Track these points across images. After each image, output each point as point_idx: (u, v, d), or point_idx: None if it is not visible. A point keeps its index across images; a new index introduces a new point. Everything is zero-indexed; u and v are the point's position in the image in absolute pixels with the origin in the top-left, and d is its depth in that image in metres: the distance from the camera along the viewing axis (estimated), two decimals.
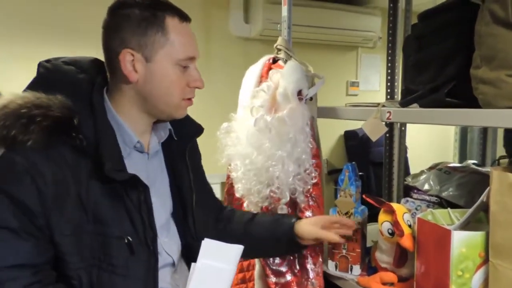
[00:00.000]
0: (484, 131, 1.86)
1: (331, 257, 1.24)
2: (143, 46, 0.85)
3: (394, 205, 1.05)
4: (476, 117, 0.85)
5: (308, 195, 1.28)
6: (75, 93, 0.85)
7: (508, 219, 0.79)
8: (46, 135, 0.78)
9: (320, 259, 1.26)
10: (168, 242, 0.94)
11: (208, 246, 0.83)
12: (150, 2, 0.86)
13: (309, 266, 1.26)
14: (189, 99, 0.92)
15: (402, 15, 1.66)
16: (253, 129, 1.28)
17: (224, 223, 1.16)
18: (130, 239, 0.82)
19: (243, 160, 1.30)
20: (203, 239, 0.87)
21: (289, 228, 1.11)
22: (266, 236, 1.13)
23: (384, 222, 1.05)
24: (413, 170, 2.36)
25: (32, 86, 0.85)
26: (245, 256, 1.19)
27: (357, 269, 1.20)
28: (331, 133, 3.19)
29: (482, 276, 0.88)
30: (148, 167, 0.94)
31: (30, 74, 0.91)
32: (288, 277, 1.27)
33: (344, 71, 3.26)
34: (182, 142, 0.99)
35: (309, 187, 1.27)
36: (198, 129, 1.04)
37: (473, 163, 1.83)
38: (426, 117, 0.96)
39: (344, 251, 1.20)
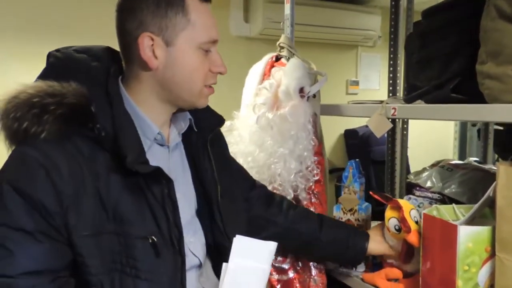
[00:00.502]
0: (486, 129, 1.87)
1: None
2: (163, 29, 0.78)
3: (401, 201, 1.05)
4: (482, 112, 0.85)
5: (311, 192, 1.28)
6: (90, 81, 0.78)
7: None
8: (62, 125, 0.72)
9: None
10: (194, 242, 0.87)
11: (241, 244, 0.77)
12: None
13: (312, 263, 1.26)
14: (211, 86, 0.87)
15: (404, 14, 1.66)
16: (255, 127, 1.28)
17: (286, 222, 1.10)
18: (155, 239, 0.75)
19: (246, 158, 1.30)
20: (233, 235, 0.83)
21: (362, 250, 1.09)
22: (335, 249, 1.10)
23: (391, 218, 1.05)
24: (413, 169, 2.37)
25: (43, 76, 0.79)
26: (289, 253, 1.19)
27: (361, 266, 1.19)
28: (331, 132, 3.19)
29: (489, 270, 0.88)
30: (170, 161, 0.87)
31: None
32: (291, 274, 1.27)
33: (344, 70, 3.27)
34: (203, 133, 0.92)
35: (311, 184, 1.27)
36: (219, 120, 0.98)
37: (475, 161, 1.83)
38: (432, 113, 0.96)
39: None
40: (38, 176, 0.70)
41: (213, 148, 0.94)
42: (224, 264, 0.76)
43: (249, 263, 0.76)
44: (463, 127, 3.37)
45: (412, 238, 1.00)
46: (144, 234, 0.76)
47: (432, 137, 3.48)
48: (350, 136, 3.13)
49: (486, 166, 1.63)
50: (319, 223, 1.11)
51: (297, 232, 1.10)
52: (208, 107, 0.95)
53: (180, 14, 0.79)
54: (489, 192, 0.88)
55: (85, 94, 0.76)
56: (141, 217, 0.76)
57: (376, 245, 1.10)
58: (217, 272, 0.90)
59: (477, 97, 0.87)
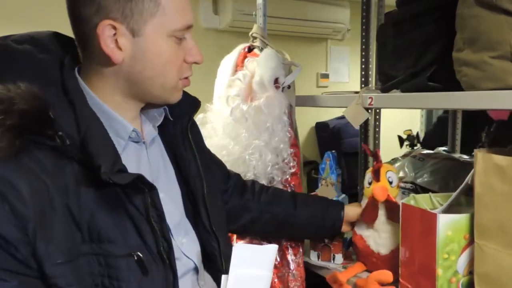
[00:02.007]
0: (453, 118, 1.90)
1: (313, 247, 1.22)
2: (128, 15, 0.66)
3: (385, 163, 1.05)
4: (460, 100, 0.85)
5: (287, 185, 1.26)
6: (41, 78, 0.65)
7: (494, 200, 0.79)
8: (14, 138, 0.60)
9: (301, 250, 1.24)
10: (187, 243, 0.79)
11: (240, 252, 0.71)
12: None
13: (290, 257, 1.24)
14: (186, 78, 0.76)
15: (375, 7, 1.66)
16: (229, 119, 1.24)
17: (260, 205, 1.07)
18: (141, 255, 0.66)
19: (220, 151, 1.26)
20: (220, 233, 0.78)
21: (338, 217, 1.08)
22: (311, 224, 1.08)
23: (368, 174, 1.05)
24: (383, 159, 2.41)
25: None
26: (268, 237, 1.15)
27: (339, 258, 1.19)
28: (303, 125, 3.20)
29: (468, 257, 0.88)
30: (149, 158, 0.78)
31: None
32: None
33: (314, 63, 3.28)
34: (180, 121, 0.83)
35: (287, 176, 1.25)
36: (195, 103, 0.87)
37: (444, 150, 1.87)
38: (409, 102, 0.95)
39: (326, 240, 1.19)
40: None
41: (194, 139, 0.85)
42: (223, 276, 0.68)
43: (251, 272, 0.71)
44: (429, 117, 3.45)
45: (377, 189, 0.99)
46: (127, 251, 0.66)
47: (399, 128, 3.55)
48: (321, 129, 3.15)
49: (456, 155, 1.67)
50: (293, 201, 1.09)
51: (272, 213, 1.08)
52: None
53: None
54: (468, 179, 0.89)
55: (38, 96, 0.62)
56: (122, 232, 0.66)
57: (351, 210, 1.09)
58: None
59: (454, 85, 0.87)
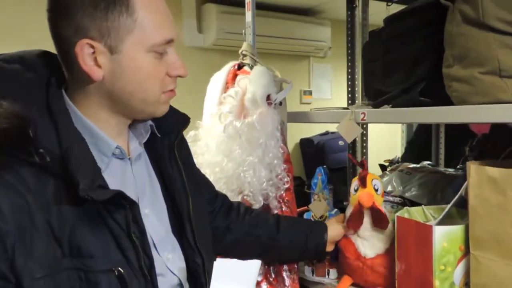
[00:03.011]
0: (436, 132, 1.96)
1: (308, 263, 1.22)
2: (105, 34, 0.67)
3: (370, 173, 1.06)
4: (450, 114, 0.88)
5: (281, 201, 1.26)
6: (25, 97, 0.67)
7: (488, 211, 0.81)
8: None
9: (296, 266, 1.24)
10: (172, 259, 0.79)
11: (222, 266, 0.72)
12: None
13: (285, 273, 1.23)
14: (171, 90, 0.76)
15: (359, 25, 1.71)
16: (222, 136, 1.24)
17: (243, 227, 1.05)
18: (122, 271, 0.66)
19: (213, 168, 1.26)
20: (205, 251, 0.77)
21: (322, 240, 1.07)
22: (294, 247, 1.07)
23: (354, 181, 1.06)
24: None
25: None
26: (255, 257, 1.11)
27: (334, 273, 1.19)
28: (287, 141, 3.22)
29: (463, 268, 0.90)
30: (135, 175, 0.79)
31: None
32: (264, 286, 1.23)
33: (297, 80, 3.33)
34: (167, 138, 0.83)
35: (281, 192, 1.25)
36: (184, 119, 0.87)
37: (428, 164, 1.92)
38: (401, 116, 0.98)
39: (314, 261, 1.19)
40: None
41: (180, 156, 0.85)
42: None
43: (231, 286, 0.71)
44: (410, 130, 3.53)
45: (363, 195, 1.00)
46: (108, 267, 0.66)
47: (381, 143, 3.62)
48: (305, 145, 3.17)
49: (441, 169, 1.70)
50: (276, 223, 1.08)
51: (255, 236, 1.06)
52: (171, 107, 0.85)
53: (125, 15, 0.67)
54: (461, 191, 0.91)
55: (19, 115, 0.63)
56: (103, 248, 0.67)
57: (334, 230, 1.08)
58: None
59: (444, 100, 0.90)
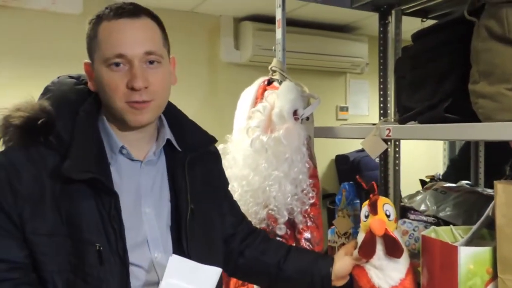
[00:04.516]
0: (475, 151, 1.88)
1: None
2: (90, 55, 0.87)
3: (381, 197, 1.01)
4: (476, 131, 0.85)
5: (306, 216, 1.26)
6: (62, 100, 0.87)
7: None
8: (20, 135, 0.81)
9: None
10: (160, 258, 0.87)
11: (177, 264, 0.75)
12: (104, 10, 0.85)
13: None
14: (135, 102, 0.83)
15: (392, 41, 1.70)
16: (249, 150, 1.27)
17: (254, 253, 1.07)
18: (101, 248, 0.80)
19: (240, 181, 1.28)
20: (196, 260, 0.81)
21: (327, 274, 1.03)
22: (300, 279, 1.05)
23: (364, 206, 1.01)
24: (404, 192, 2.38)
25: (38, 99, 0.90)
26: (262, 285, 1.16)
27: None
28: (323, 157, 3.20)
29: None
30: (141, 176, 0.90)
31: None
32: None
33: (333, 96, 3.31)
34: (184, 153, 0.94)
35: (306, 207, 1.26)
36: (206, 140, 0.99)
37: (467, 183, 1.84)
38: (426, 133, 0.96)
39: None
40: (0, 178, 0.80)
41: (193, 168, 0.94)
42: (160, 284, 0.77)
43: (185, 286, 0.73)
44: (452, 148, 3.40)
45: (374, 223, 0.94)
46: (92, 241, 0.80)
47: (421, 160, 3.51)
48: (341, 161, 3.14)
49: (479, 189, 1.63)
50: (285, 253, 1.07)
51: (263, 263, 1.06)
52: (198, 128, 0.98)
53: (95, 38, 0.84)
54: (488, 211, 0.87)
55: (46, 110, 0.83)
56: (90, 224, 0.81)
57: (341, 266, 1.03)
58: None
59: (470, 117, 0.88)
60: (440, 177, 2.49)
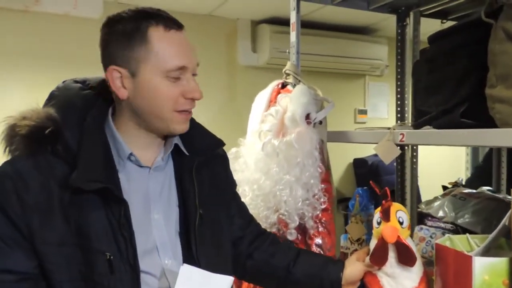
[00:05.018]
0: (498, 157, 1.82)
1: None
2: (128, 62, 0.82)
3: (395, 203, 0.98)
4: (492, 137, 0.82)
5: (318, 221, 1.25)
6: (69, 106, 0.86)
7: None
8: (29, 143, 0.80)
9: None
10: (170, 265, 0.86)
11: (188, 273, 0.74)
12: (134, 14, 0.84)
13: None
14: (185, 111, 0.87)
15: (410, 43, 1.66)
16: (261, 154, 1.26)
17: (263, 256, 1.06)
18: (111, 257, 0.79)
19: (251, 185, 1.28)
20: (205, 266, 0.80)
21: (337, 279, 1.01)
22: (309, 283, 1.03)
23: (377, 213, 0.98)
24: (425, 198, 2.32)
25: (44, 104, 0.88)
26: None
27: None
28: (340, 161, 3.15)
29: None
30: (150, 182, 0.89)
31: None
32: None
33: (352, 99, 3.27)
34: (192, 157, 0.93)
35: (318, 212, 1.24)
36: (213, 143, 0.98)
37: (488, 190, 1.78)
38: (441, 138, 0.93)
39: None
40: (6, 188, 0.79)
41: (201, 172, 0.93)
42: None
43: None
44: (475, 153, 3.31)
45: (386, 230, 0.92)
46: (102, 250, 0.79)
47: (443, 165, 3.43)
48: (359, 165, 3.09)
49: (500, 195, 1.58)
50: (295, 256, 1.05)
51: (272, 266, 1.05)
52: (205, 131, 0.98)
53: (143, 46, 0.82)
54: (505, 220, 0.84)
55: (53, 117, 0.82)
56: (100, 234, 0.80)
57: (352, 270, 1.01)
58: None
59: (487, 122, 0.85)
60: (463, 183, 2.41)
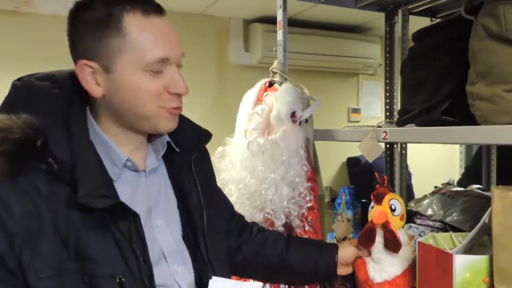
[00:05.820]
0: (487, 154, 1.82)
1: (321, 286, 1.18)
2: (101, 55, 0.71)
3: (392, 193, 1.00)
4: (473, 134, 0.82)
5: (304, 220, 1.24)
6: (47, 111, 0.73)
7: None
8: (9, 163, 0.67)
9: None
10: (181, 272, 0.79)
11: (217, 285, 0.69)
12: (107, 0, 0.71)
13: None
14: (174, 108, 0.76)
15: (399, 41, 1.66)
16: (246, 153, 1.25)
17: (253, 247, 1.04)
18: (123, 279, 0.69)
19: (237, 184, 1.27)
20: (218, 267, 0.77)
21: (332, 261, 1.01)
22: (304, 268, 1.02)
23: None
24: (418, 195, 2.32)
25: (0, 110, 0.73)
26: (267, 280, 1.12)
27: None
28: (334, 159, 3.15)
29: None
30: (148, 187, 0.80)
31: None
32: None
33: (345, 98, 3.27)
34: (186, 153, 0.84)
35: (304, 211, 1.23)
36: (203, 136, 0.89)
37: (478, 188, 1.78)
38: (423, 136, 0.93)
39: (343, 280, 1.14)
40: None
41: (197, 168, 0.86)
42: None
43: None
44: (469, 153, 3.31)
45: (375, 212, 0.93)
46: (110, 274, 0.69)
47: (438, 165, 3.43)
48: (352, 164, 3.09)
49: (489, 194, 1.57)
50: (286, 243, 1.04)
51: (264, 255, 1.03)
52: (192, 124, 0.89)
53: (117, 36, 0.70)
54: (485, 218, 0.84)
55: (36, 127, 0.69)
56: (106, 255, 0.69)
57: (346, 251, 1.01)
58: None
59: (469, 119, 0.85)
60: (455, 183, 2.42)
